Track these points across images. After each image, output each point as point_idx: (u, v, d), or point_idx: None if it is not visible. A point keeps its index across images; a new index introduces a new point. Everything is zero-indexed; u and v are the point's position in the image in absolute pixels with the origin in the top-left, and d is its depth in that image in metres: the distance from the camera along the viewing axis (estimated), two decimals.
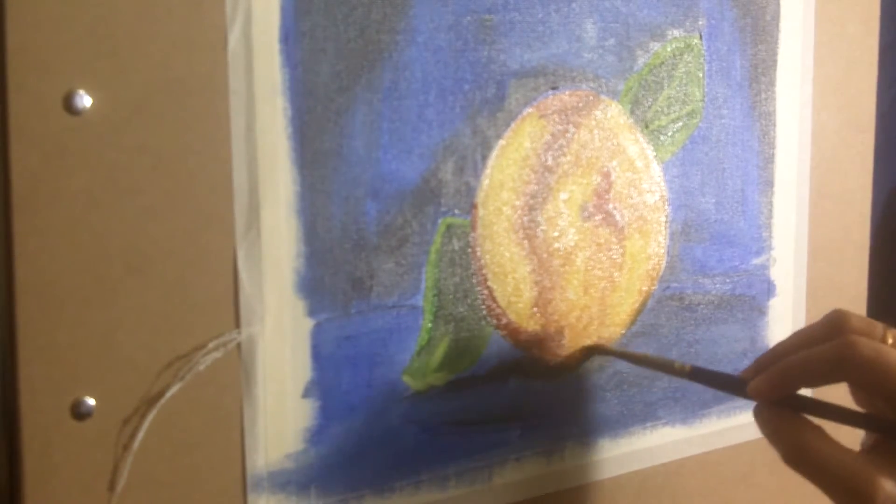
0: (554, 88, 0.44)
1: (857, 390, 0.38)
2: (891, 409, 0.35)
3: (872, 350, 0.34)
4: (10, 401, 0.33)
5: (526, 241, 0.43)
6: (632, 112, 0.46)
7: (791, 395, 0.36)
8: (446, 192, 0.41)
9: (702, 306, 0.50)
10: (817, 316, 0.54)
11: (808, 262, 0.54)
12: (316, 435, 0.39)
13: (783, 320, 0.53)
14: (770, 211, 0.52)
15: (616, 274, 0.46)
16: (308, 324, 0.38)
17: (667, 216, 0.48)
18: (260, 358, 0.37)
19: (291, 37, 0.37)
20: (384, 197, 0.39)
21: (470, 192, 0.42)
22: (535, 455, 0.45)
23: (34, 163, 0.32)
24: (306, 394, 0.38)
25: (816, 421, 0.36)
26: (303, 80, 0.37)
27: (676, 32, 0.47)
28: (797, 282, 0.54)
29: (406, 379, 0.41)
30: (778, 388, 0.37)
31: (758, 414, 0.37)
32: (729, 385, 0.40)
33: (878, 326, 0.36)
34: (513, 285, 0.43)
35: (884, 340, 0.35)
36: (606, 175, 0.46)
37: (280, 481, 0.38)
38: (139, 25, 0.34)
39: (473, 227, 0.42)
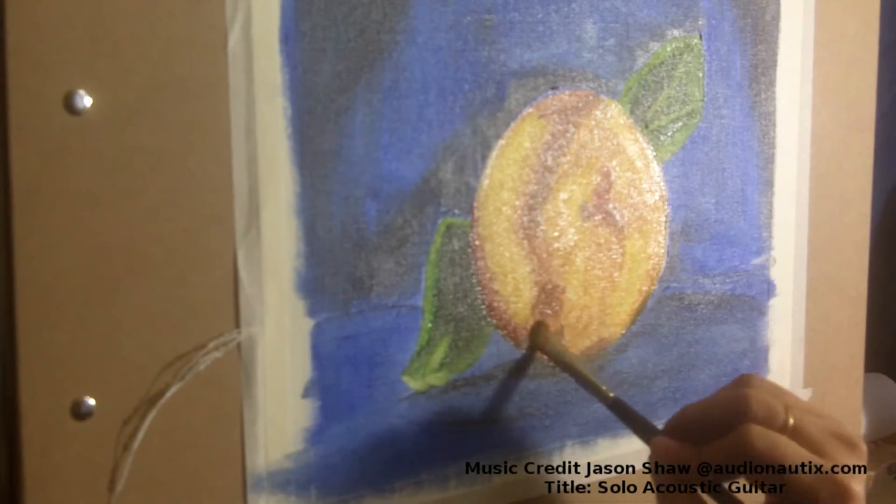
0: (554, 88, 0.44)
1: None
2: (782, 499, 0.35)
3: (768, 442, 0.34)
4: (10, 401, 0.33)
5: (526, 241, 0.43)
6: (632, 112, 0.46)
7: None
8: (446, 192, 0.41)
9: (702, 306, 0.50)
10: (817, 316, 0.55)
11: (808, 262, 0.54)
12: (316, 435, 0.39)
13: (783, 320, 0.53)
14: (770, 211, 0.52)
15: (616, 274, 0.46)
16: (308, 324, 0.38)
17: (667, 216, 0.48)
18: (260, 358, 0.37)
19: (291, 37, 0.37)
20: (384, 197, 0.39)
21: (470, 192, 0.42)
22: (535, 455, 0.45)
23: (34, 163, 0.32)
24: (306, 394, 0.38)
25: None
26: (303, 80, 0.37)
27: (676, 32, 0.47)
28: (797, 282, 0.54)
29: (406, 379, 0.41)
30: (679, 427, 0.38)
31: (656, 474, 0.37)
32: (642, 430, 0.40)
33: (780, 411, 0.36)
34: (513, 285, 0.43)
35: (784, 425, 0.35)
36: (606, 175, 0.46)
37: (280, 481, 0.38)
38: (139, 25, 0.34)
39: (473, 227, 0.42)
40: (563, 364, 0.44)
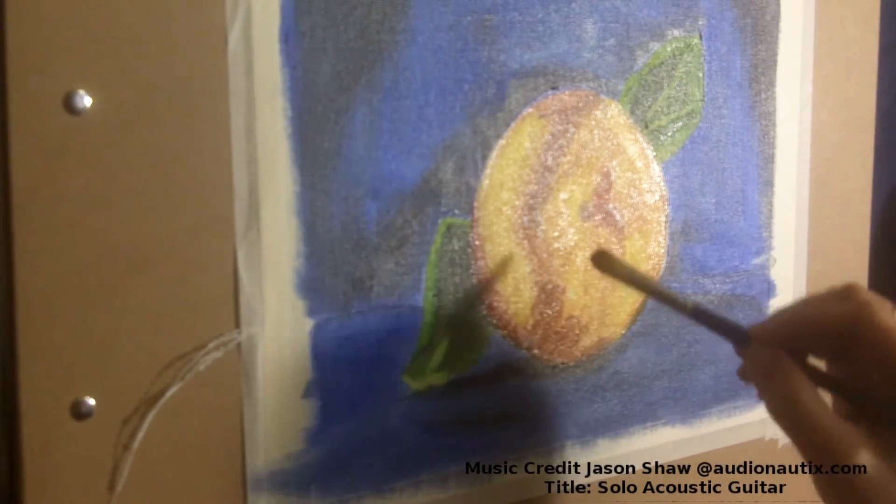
0: (554, 88, 0.44)
1: (840, 363, 0.36)
2: (888, 385, 0.33)
3: (890, 318, 0.33)
4: (10, 401, 0.33)
5: (526, 241, 0.43)
6: (632, 112, 0.46)
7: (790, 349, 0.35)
8: (446, 192, 0.41)
9: None
10: None
11: (808, 262, 0.54)
12: (316, 435, 0.39)
13: None
14: (770, 211, 0.52)
15: None
16: (308, 324, 0.38)
17: (667, 216, 0.48)
18: (260, 358, 0.37)
19: (291, 37, 0.37)
20: (384, 197, 0.39)
21: (470, 192, 0.42)
22: (535, 455, 0.45)
23: (34, 163, 0.32)
24: (306, 394, 0.38)
25: None
26: (303, 80, 0.37)
27: (676, 32, 0.47)
28: (797, 282, 0.54)
29: (406, 379, 0.41)
30: (783, 334, 0.35)
31: (752, 357, 0.35)
32: (731, 332, 0.38)
33: (887, 303, 0.34)
34: (513, 285, 0.43)
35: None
36: (606, 175, 0.46)
37: (280, 481, 0.38)
38: (139, 25, 0.34)
39: (473, 227, 0.42)
40: (636, 283, 0.41)
